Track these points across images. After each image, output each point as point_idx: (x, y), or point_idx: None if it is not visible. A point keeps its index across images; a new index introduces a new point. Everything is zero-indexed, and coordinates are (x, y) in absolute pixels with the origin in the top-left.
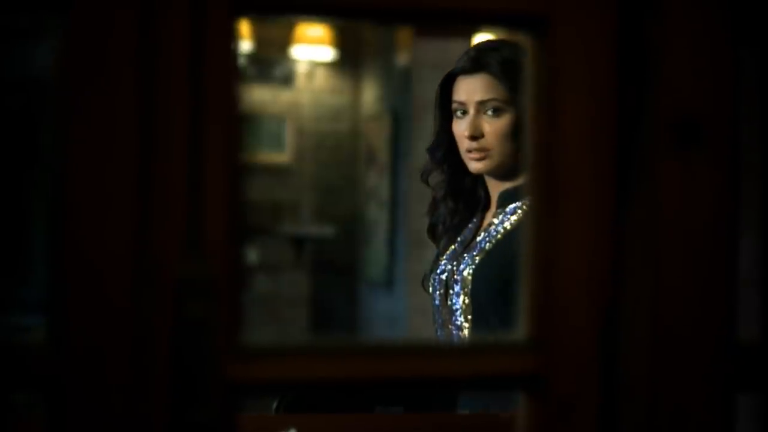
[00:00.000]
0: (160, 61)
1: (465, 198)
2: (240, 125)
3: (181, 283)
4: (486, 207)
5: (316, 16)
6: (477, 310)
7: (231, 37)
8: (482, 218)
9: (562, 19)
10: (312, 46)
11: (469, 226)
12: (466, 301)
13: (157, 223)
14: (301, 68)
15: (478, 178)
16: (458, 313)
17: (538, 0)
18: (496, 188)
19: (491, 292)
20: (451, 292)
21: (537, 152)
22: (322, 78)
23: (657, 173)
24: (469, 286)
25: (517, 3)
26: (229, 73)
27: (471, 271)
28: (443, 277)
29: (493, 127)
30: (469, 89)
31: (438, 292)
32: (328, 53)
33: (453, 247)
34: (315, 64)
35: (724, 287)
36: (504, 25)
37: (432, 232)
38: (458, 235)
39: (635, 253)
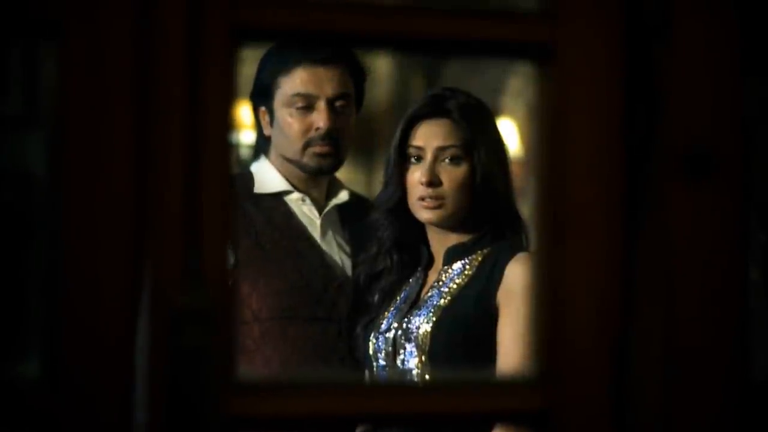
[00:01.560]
0: (157, 90)
1: (408, 252)
2: (232, 150)
3: (180, 312)
4: (428, 263)
5: (313, 44)
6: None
7: (229, 67)
8: (425, 275)
9: (567, 48)
10: None
11: (410, 281)
12: (423, 359)
13: (154, 250)
14: None
15: (422, 232)
16: (413, 372)
17: (542, 29)
18: (441, 242)
19: (456, 348)
20: (401, 351)
21: (542, 182)
22: None
23: (667, 203)
24: (428, 344)
25: (521, 32)
26: (225, 102)
27: (429, 329)
28: (389, 335)
29: (450, 175)
30: (429, 134)
31: (383, 352)
32: None
33: (394, 303)
34: None
35: (737, 321)
36: (508, 54)
37: (367, 284)
38: (397, 292)
39: (646, 285)
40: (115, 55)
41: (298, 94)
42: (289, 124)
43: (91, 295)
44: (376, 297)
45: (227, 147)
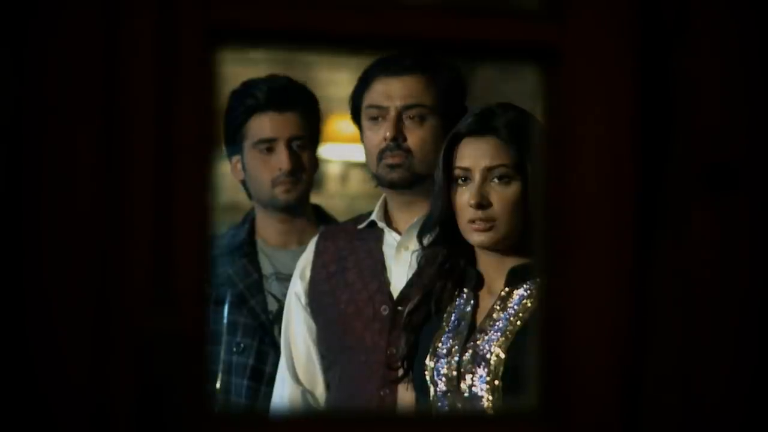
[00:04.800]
0: (126, 96)
1: (457, 276)
2: (212, 165)
3: (147, 338)
4: (477, 285)
5: (296, 47)
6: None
7: (205, 70)
8: (475, 296)
9: (575, 50)
10: (345, 145)
11: (459, 305)
12: (496, 383)
13: (122, 271)
14: (333, 170)
15: (471, 253)
16: (483, 399)
17: (547, 29)
18: (495, 264)
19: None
20: (469, 376)
21: (548, 197)
22: (357, 181)
23: (685, 221)
24: (502, 368)
25: (524, 32)
26: (202, 111)
27: (503, 354)
28: (452, 359)
29: (500, 195)
30: (476, 154)
31: (445, 377)
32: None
33: (445, 330)
34: (349, 165)
35: (759, 350)
36: (510, 56)
37: (426, 313)
38: (444, 318)
39: (661, 311)
40: (80, 62)
41: (370, 106)
42: (367, 137)
43: (53, 320)
44: (428, 324)
45: (204, 160)
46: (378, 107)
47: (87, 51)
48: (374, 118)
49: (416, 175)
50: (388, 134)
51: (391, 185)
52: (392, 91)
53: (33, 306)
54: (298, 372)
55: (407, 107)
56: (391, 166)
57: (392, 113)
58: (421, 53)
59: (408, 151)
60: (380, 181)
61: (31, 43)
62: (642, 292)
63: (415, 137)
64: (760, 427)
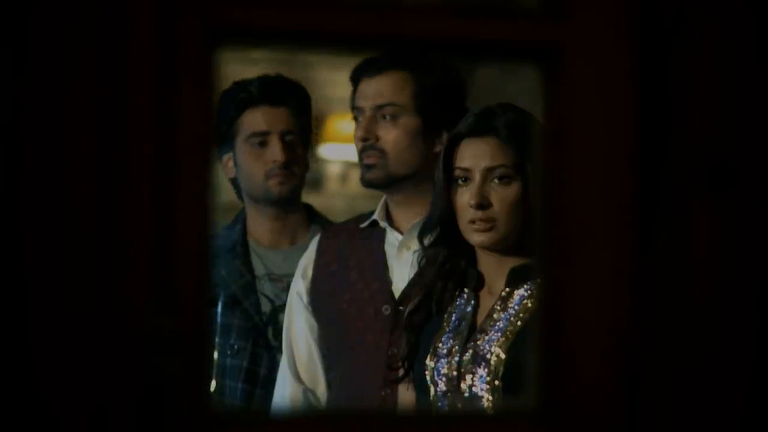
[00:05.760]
0: (126, 96)
1: (457, 276)
2: (212, 165)
3: (147, 338)
4: (478, 286)
5: (296, 47)
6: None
7: (205, 70)
8: (476, 297)
9: (575, 49)
10: (345, 145)
11: (459, 306)
12: (496, 383)
13: (121, 271)
14: (333, 170)
15: (472, 254)
16: (483, 399)
17: (547, 28)
18: (495, 264)
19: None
20: (469, 376)
21: (547, 194)
22: (357, 181)
23: (685, 219)
24: (503, 368)
25: (524, 32)
26: (202, 111)
27: (503, 355)
28: (452, 359)
29: (500, 196)
30: (476, 154)
31: (445, 377)
32: None
33: (445, 330)
34: (349, 165)
35: (759, 348)
36: (510, 56)
37: (426, 313)
38: (445, 318)
39: (661, 307)
40: (80, 61)
41: (352, 107)
42: (354, 137)
43: (53, 320)
44: (428, 325)
45: (204, 160)
46: (357, 108)
47: (87, 51)
48: (356, 119)
49: (391, 175)
50: (359, 134)
51: (369, 185)
52: (367, 92)
53: (33, 306)
54: (300, 371)
55: (380, 107)
56: (367, 167)
57: (367, 113)
58: (401, 52)
59: (382, 151)
60: (362, 181)
61: (31, 43)
62: (642, 292)
63: (389, 137)
64: (760, 426)
